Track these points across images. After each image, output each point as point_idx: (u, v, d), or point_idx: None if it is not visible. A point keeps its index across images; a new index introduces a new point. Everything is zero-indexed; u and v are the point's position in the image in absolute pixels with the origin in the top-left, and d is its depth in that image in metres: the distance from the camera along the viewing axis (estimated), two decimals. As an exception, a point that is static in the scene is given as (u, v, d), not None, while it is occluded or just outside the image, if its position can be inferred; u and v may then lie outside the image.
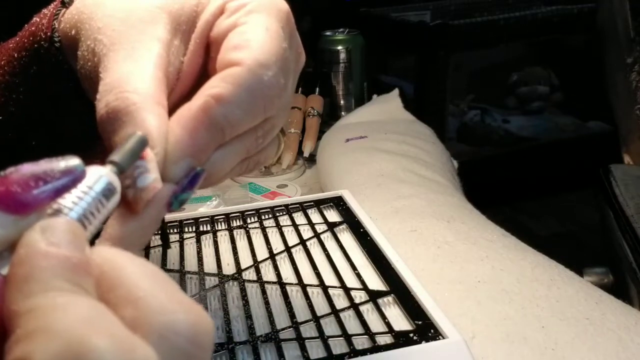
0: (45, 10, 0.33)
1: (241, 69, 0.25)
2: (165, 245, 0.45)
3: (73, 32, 0.30)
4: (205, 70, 0.29)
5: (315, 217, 0.48)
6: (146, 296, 0.17)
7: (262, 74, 0.26)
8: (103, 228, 0.23)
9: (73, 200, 0.19)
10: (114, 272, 0.18)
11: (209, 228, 0.47)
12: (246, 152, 0.28)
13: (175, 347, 0.17)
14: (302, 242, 0.44)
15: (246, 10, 0.27)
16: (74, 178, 0.19)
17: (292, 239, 0.44)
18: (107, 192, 0.20)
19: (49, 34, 0.32)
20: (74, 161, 0.19)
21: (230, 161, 0.27)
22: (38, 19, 0.33)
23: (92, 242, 0.20)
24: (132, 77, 0.25)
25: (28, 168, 0.18)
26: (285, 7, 0.28)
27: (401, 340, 0.32)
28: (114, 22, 0.27)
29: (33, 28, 0.33)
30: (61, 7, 0.32)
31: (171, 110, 0.26)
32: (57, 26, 0.32)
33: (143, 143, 0.23)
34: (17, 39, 0.35)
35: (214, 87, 0.25)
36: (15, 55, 0.34)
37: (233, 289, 0.39)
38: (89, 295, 0.17)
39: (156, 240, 0.46)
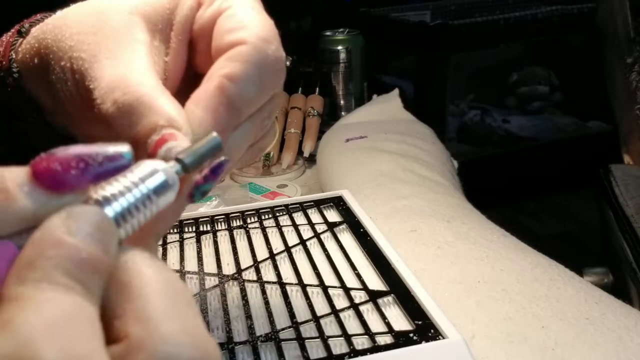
0: (3, 38, 0.32)
1: (246, 47, 0.25)
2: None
3: (36, 60, 0.29)
4: (190, 67, 0.29)
5: (315, 217, 0.48)
6: (158, 319, 0.17)
7: (267, 48, 0.26)
8: None
9: (119, 190, 0.18)
10: (137, 281, 0.17)
11: (209, 228, 0.47)
12: (254, 136, 0.28)
13: None
14: (302, 242, 0.44)
15: None
16: (117, 165, 0.18)
17: (292, 239, 0.44)
18: (160, 189, 0.19)
19: (5, 63, 0.31)
20: (122, 148, 0.19)
21: (244, 144, 0.27)
22: None
23: None
24: (131, 75, 0.25)
25: (76, 149, 0.18)
26: None
27: (401, 340, 0.32)
28: (87, 38, 0.26)
29: None
30: (17, 37, 0.31)
31: None
32: (14, 57, 0.31)
33: (217, 147, 0.22)
34: None
35: (223, 67, 0.25)
36: None
37: (233, 289, 0.39)
38: (88, 295, 0.16)
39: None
